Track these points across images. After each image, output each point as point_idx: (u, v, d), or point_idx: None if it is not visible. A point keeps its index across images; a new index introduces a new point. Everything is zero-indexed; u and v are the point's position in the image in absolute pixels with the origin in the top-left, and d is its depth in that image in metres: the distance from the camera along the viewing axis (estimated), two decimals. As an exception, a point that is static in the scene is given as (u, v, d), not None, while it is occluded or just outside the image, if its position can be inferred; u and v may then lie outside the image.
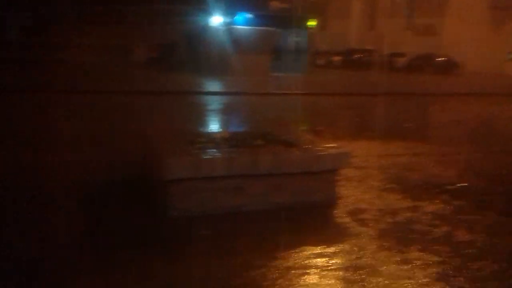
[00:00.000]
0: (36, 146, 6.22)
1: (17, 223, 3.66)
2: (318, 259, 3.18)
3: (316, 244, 3.41)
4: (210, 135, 5.58)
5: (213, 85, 16.40)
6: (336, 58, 31.82)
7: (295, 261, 3.14)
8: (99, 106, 10.40)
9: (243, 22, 21.85)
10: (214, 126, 8.97)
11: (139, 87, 13.97)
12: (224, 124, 9.41)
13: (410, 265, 3.13)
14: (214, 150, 4.17)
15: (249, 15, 22.51)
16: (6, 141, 6.51)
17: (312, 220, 3.90)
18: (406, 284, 2.88)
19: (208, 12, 21.98)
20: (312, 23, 27.52)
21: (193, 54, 20.42)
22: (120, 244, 3.32)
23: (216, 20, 22.16)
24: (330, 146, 4.50)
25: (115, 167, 5.29)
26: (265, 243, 3.40)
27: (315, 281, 2.91)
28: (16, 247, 3.23)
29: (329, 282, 2.90)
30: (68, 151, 5.90)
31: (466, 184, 5.16)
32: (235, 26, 20.64)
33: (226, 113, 11.08)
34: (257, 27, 20.19)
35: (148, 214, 3.88)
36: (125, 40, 23.53)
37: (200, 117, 10.12)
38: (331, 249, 3.34)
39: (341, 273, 3.01)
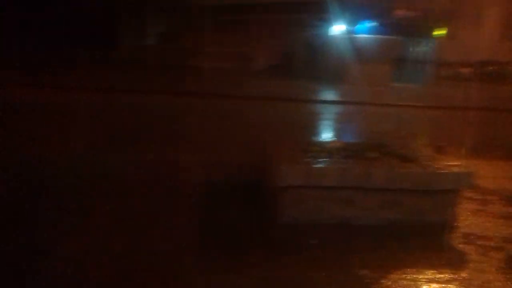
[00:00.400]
0: (155, 146, 6.69)
1: (137, 221, 3.95)
2: (431, 285, 3.00)
3: (428, 268, 3.21)
4: (324, 144, 5.55)
5: (331, 94, 16.30)
6: (465, 70, 29.75)
7: (405, 284, 2.99)
8: (219, 110, 10.91)
9: (365, 31, 21.43)
10: (328, 135, 8.91)
11: (257, 93, 14.39)
12: (339, 133, 9.30)
13: (538, 304, 2.82)
14: (327, 159, 4.15)
15: (372, 24, 22.02)
16: (125, 138, 7.12)
17: (426, 242, 3.69)
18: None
19: (330, 21, 21.93)
20: (439, 32, 26.07)
21: (313, 62, 20.52)
22: (231, 246, 3.43)
23: (338, 28, 22.03)
24: (452, 164, 4.22)
25: (230, 169, 5.50)
26: (373, 261, 3.29)
27: (425, 306, 2.75)
28: (133, 245, 3.50)
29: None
30: (186, 152, 6.26)
31: None
32: (356, 35, 20.35)
33: (341, 122, 10.94)
34: (379, 36, 19.69)
35: (259, 218, 3.97)
36: (248, 48, 24.38)
37: (314, 125, 10.13)
38: (445, 276, 3.13)
39: (455, 301, 2.81)
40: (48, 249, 3.18)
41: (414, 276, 3.08)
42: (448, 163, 4.24)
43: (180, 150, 6.39)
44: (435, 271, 3.16)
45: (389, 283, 2.98)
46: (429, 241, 3.70)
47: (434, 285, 3.00)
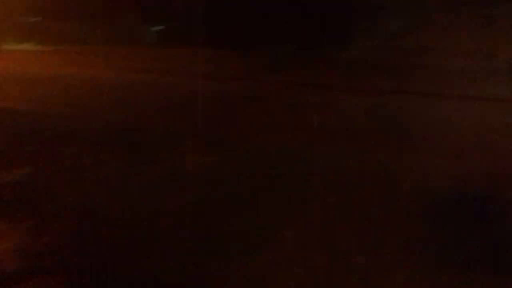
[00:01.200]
0: (381, 146, 6.62)
1: (353, 218, 4.02)
2: None
3: None
4: None
5: None
6: None
7: None
8: (451, 111, 10.21)
9: None
10: None
11: (498, 95, 12.96)
12: None
13: None
14: None
15: None
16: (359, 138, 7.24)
17: None
18: None
19: None
20: None
21: None
22: (454, 265, 3.23)
23: None
24: None
25: (460, 177, 5.15)
26: None
27: None
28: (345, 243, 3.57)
29: None
30: (412, 155, 6.07)
31: None
32: None
33: None
34: None
35: (490, 237, 3.65)
36: (490, 44, 22.14)
37: None
38: None
39: None
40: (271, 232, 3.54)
41: None
42: None
43: (405, 152, 6.22)
44: None
45: None
46: None
47: None
